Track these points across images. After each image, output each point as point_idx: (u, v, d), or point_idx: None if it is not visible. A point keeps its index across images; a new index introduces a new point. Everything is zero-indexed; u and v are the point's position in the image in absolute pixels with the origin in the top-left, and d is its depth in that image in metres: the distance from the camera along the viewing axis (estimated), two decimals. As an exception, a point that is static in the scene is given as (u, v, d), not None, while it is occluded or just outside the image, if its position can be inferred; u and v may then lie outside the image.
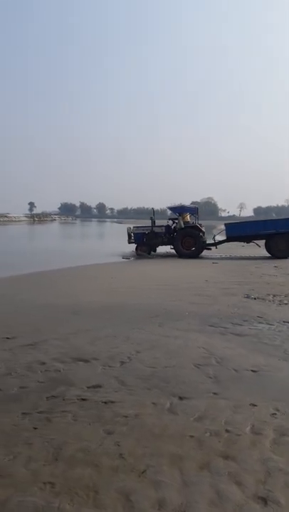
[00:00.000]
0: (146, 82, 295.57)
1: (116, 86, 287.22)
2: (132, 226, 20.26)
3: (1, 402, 3.42)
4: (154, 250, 19.00)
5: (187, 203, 26.36)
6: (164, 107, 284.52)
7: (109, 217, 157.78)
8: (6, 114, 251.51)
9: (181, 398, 3.49)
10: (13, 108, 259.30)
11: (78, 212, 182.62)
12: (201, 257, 18.12)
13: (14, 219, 78.36)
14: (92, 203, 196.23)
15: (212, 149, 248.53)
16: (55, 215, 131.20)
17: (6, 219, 74.98)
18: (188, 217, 19.36)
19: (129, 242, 19.13)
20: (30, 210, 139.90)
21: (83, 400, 3.47)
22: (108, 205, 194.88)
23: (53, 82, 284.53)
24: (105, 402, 3.41)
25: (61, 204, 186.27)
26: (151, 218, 19.17)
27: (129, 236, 19.11)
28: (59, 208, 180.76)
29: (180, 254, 17.75)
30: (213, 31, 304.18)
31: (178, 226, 18.32)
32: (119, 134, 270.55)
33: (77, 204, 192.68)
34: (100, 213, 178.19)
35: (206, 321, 6.11)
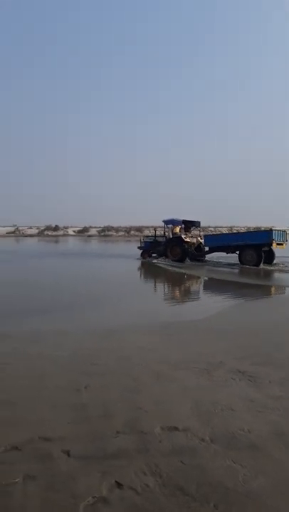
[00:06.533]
0: None
1: None
2: (143, 237, 26.77)
3: None
4: (160, 255, 21.40)
5: None
6: None
7: None
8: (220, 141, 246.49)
9: None
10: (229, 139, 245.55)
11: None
12: None
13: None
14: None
15: None
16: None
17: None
18: (177, 229, 21.59)
19: (140, 248, 22.77)
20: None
21: None
22: None
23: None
24: None
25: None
26: (154, 230, 23.77)
27: (141, 243, 22.99)
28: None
29: (169, 259, 20.34)
30: None
31: (167, 237, 21.53)
32: None
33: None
34: None
35: None
